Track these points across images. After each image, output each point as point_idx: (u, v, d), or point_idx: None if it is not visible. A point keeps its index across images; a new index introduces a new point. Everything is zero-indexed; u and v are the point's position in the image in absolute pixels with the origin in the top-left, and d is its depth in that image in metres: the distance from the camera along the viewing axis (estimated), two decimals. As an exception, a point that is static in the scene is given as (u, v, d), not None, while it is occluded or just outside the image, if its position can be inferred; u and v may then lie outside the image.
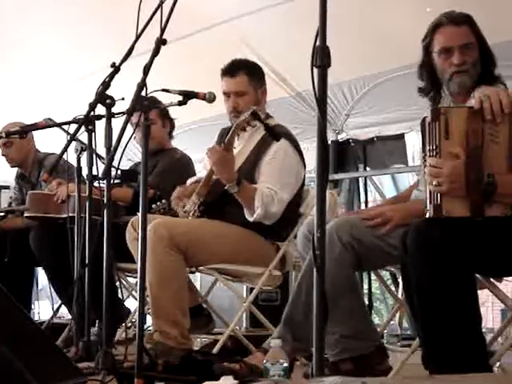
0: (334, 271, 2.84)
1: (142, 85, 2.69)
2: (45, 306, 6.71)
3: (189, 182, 4.06)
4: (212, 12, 5.78)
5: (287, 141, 3.74)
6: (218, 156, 3.59)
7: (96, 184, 3.48)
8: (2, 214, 5.16)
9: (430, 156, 2.53)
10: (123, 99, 3.17)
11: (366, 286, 6.26)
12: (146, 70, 2.69)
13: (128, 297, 4.95)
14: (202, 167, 4.17)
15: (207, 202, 3.77)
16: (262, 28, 5.85)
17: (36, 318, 6.35)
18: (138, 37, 2.84)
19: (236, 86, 3.81)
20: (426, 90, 3.03)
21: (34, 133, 5.06)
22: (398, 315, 5.35)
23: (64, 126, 3.86)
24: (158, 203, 4.07)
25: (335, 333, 2.96)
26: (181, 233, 3.58)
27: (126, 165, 5.27)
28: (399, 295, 3.99)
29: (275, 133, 3.54)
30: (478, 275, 2.66)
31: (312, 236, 2.07)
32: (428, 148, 2.54)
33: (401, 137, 6.36)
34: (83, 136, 3.50)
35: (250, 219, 3.67)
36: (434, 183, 2.51)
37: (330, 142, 6.51)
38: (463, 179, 2.48)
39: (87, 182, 3.54)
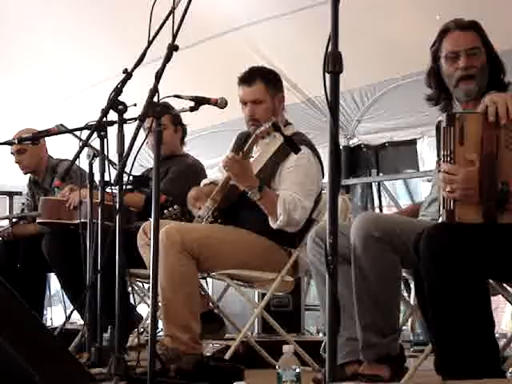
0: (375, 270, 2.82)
1: (154, 91, 2.69)
2: (57, 312, 6.74)
3: (202, 183, 4.07)
4: (223, 19, 5.80)
5: (308, 149, 3.74)
6: (237, 166, 3.59)
7: (108, 190, 3.49)
8: (15, 220, 5.18)
9: (444, 161, 2.52)
10: (135, 105, 3.17)
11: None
12: (158, 76, 2.70)
13: (140, 302, 4.96)
14: (217, 170, 4.17)
15: (221, 208, 3.77)
16: (272, 35, 5.87)
17: (48, 323, 6.37)
18: (149, 43, 2.85)
19: (253, 95, 3.80)
20: (434, 98, 2.99)
21: (47, 139, 5.07)
22: (410, 321, 5.34)
23: (76, 132, 3.88)
24: (170, 209, 4.07)
25: (342, 336, 2.95)
26: (193, 238, 3.59)
27: (137, 170, 5.29)
28: (411, 301, 3.98)
29: (295, 145, 3.53)
30: (490, 280, 2.65)
31: (324, 242, 2.06)
32: (442, 153, 2.52)
33: (413, 142, 6.36)
34: (95, 142, 3.50)
35: (274, 226, 3.66)
36: (447, 189, 2.50)
37: (341, 148, 6.51)
38: (477, 186, 2.47)
39: (99, 187, 3.55)
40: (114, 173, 3.25)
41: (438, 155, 2.58)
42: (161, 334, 3.73)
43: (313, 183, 3.76)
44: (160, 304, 3.54)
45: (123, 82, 2.96)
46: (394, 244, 2.81)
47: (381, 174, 6.83)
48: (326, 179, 2.14)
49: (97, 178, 3.62)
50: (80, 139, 3.77)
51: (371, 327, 2.88)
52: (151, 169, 4.31)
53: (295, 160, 3.69)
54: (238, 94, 3.84)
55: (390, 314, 2.92)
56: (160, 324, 3.72)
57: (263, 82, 3.83)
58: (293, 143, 3.53)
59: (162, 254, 3.28)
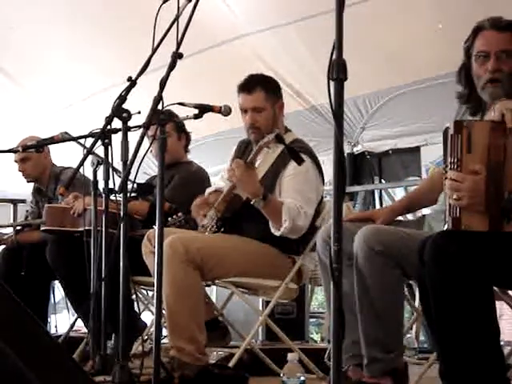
0: (380, 284, 2.86)
1: (159, 98, 2.70)
2: (62, 319, 6.73)
3: (207, 192, 4.07)
4: (227, 28, 5.82)
5: (308, 157, 3.73)
6: (242, 171, 3.59)
7: (112, 197, 3.49)
8: (19, 227, 5.19)
9: (450, 169, 2.52)
10: (139, 113, 3.19)
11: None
12: (163, 83, 2.70)
13: (144, 310, 4.95)
14: (219, 179, 4.18)
15: (225, 218, 3.77)
16: (276, 43, 5.88)
17: (53, 331, 6.36)
18: (153, 51, 2.85)
19: (253, 103, 3.80)
20: (463, 97, 2.85)
21: (51, 147, 5.08)
22: (414, 328, 5.33)
23: (80, 140, 3.88)
24: (174, 216, 4.07)
25: (346, 338, 2.94)
26: (197, 248, 3.58)
27: (141, 178, 5.29)
28: (416, 304, 3.96)
29: (299, 156, 3.53)
30: (494, 287, 2.64)
31: (329, 250, 2.06)
32: (449, 160, 2.51)
33: (416, 150, 6.36)
34: (100, 150, 3.51)
35: (277, 233, 3.66)
36: (454, 197, 2.50)
37: (345, 155, 6.51)
38: (483, 195, 2.46)
39: (103, 195, 3.55)
40: (118, 180, 3.26)
41: (445, 162, 2.57)
42: (165, 341, 3.72)
43: (312, 190, 3.75)
44: (164, 312, 3.54)
45: (127, 90, 2.97)
46: (395, 258, 2.84)
47: (383, 181, 6.84)
48: (330, 186, 2.13)
49: (101, 185, 3.63)
50: (84, 147, 3.77)
51: (375, 343, 2.90)
52: (155, 176, 4.32)
53: (294, 168, 3.68)
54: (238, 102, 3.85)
55: (393, 330, 2.93)
56: (164, 331, 3.72)
57: (263, 89, 3.83)
58: (297, 154, 3.53)
59: (166, 266, 3.26)
